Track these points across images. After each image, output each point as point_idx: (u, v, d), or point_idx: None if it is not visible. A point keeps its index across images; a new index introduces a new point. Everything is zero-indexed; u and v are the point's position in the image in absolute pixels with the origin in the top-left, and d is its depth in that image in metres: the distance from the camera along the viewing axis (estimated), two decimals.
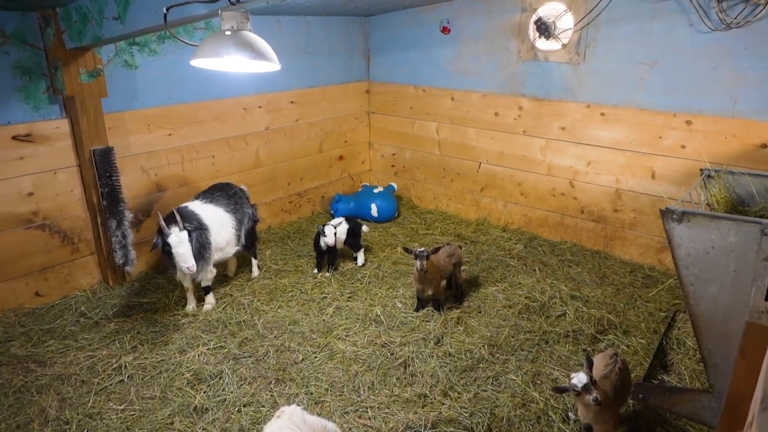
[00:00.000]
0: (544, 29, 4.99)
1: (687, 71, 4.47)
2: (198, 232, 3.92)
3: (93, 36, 3.52)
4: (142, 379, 3.46)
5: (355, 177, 6.76)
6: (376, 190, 6.16)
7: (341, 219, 4.96)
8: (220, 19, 2.50)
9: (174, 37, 2.96)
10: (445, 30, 5.76)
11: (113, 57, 4.28)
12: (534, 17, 5.06)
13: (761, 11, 4.02)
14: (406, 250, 4.11)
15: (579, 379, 2.65)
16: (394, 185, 6.36)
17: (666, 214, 2.21)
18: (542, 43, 5.12)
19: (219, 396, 3.32)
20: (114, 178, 4.22)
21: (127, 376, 3.47)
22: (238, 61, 2.45)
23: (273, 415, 2.39)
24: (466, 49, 5.68)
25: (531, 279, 4.78)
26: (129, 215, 4.33)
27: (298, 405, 2.25)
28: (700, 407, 2.36)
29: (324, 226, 4.73)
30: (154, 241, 3.82)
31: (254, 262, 4.84)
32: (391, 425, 3.12)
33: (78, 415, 3.13)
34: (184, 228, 3.78)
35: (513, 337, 3.97)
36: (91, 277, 4.54)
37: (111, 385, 3.40)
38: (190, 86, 4.83)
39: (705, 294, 2.22)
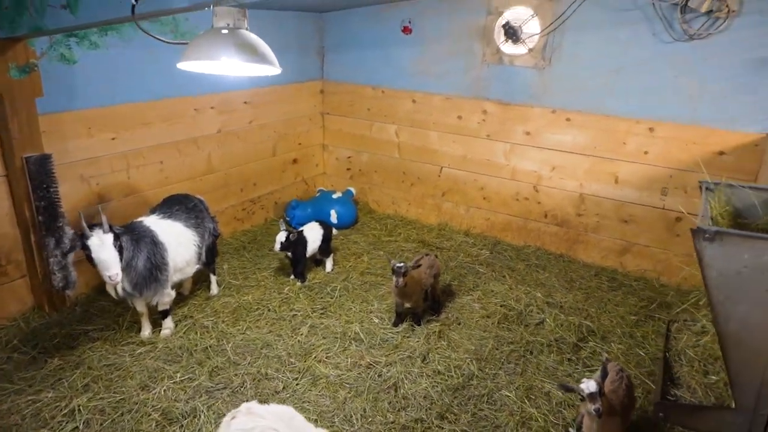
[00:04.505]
0: (512, 33, 4.94)
1: (650, 79, 4.57)
2: (132, 241, 3.45)
3: (31, 26, 3.00)
4: (101, 424, 3.01)
5: (308, 181, 6.44)
6: (335, 196, 5.89)
7: (314, 223, 4.74)
8: (212, 14, 2.16)
9: (146, 33, 2.54)
10: (406, 30, 5.57)
11: (47, 50, 3.71)
12: (501, 21, 4.99)
13: (722, 25, 4.17)
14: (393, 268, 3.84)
15: (588, 385, 2.59)
16: (353, 190, 6.11)
17: (697, 233, 2.16)
18: (508, 47, 5.07)
19: None
20: (52, 190, 3.67)
21: (82, 422, 3.00)
22: (235, 64, 2.12)
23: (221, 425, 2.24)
24: (428, 50, 5.53)
25: (503, 286, 4.72)
26: (69, 232, 3.79)
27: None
28: (725, 425, 2.36)
29: (289, 232, 4.46)
30: (72, 243, 3.34)
31: (213, 278, 4.43)
32: None
33: None
34: (110, 230, 3.27)
35: (497, 349, 3.88)
36: (23, 304, 3.95)
37: None
38: (136, 84, 4.32)
39: (735, 313, 2.20)
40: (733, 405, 2.33)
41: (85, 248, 3.23)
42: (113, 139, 4.24)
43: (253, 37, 2.15)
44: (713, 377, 2.67)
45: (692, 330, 3.08)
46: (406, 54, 5.67)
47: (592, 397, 2.58)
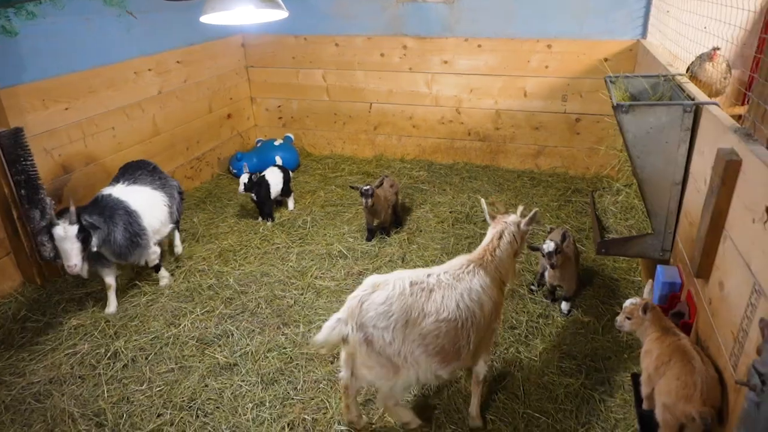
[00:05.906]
0: None
1: (542, 3, 5.37)
2: (105, 218, 3.54)
3: None
4: (147, 358, 3.34)
5: (243, 134, 6.66)
6: (276, 143, 6.22)
7: (273, 167, 5.12)
8: None
9: None
10: None
11: None
12: None
13: None
14: (353, 187, 4.43)
15: (548, 245, 3.41)
16: (291, 136, 6.47)
17: (617, 108, 2.94)
18: None
19: (239, 350, 3.39)
20: (29, 163, 3.72)
21: (129, 359, 3.32)
22: (253, 11, 2.49)
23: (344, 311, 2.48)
24: None
25: (446, 197, 5.46)
26: (51, 202, 3.87)
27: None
28: (647, 247, 3.25)
29: (251, 173, 4.87)
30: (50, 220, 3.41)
31: (177, 235, 4.52)
32: None
33: (105, 404, 2.97)
34: (78, 221, 3.33)
35: (458, 243, 4.62)
36: (12, 281, 4.01)
37: (117, 372, 3.23)
38: (77, 52, 4.34)
39: (647, 163, 3.04)
40: (651, 231, 3.22)
41: (50, 234, 3.34)
42: (66, 109, 4.27)
43: None
44: (631, 221, 3.57)
45: (610, 193, 3.99)
46: (322, 0, 6.00)
47: (550, 255, 3.39)
